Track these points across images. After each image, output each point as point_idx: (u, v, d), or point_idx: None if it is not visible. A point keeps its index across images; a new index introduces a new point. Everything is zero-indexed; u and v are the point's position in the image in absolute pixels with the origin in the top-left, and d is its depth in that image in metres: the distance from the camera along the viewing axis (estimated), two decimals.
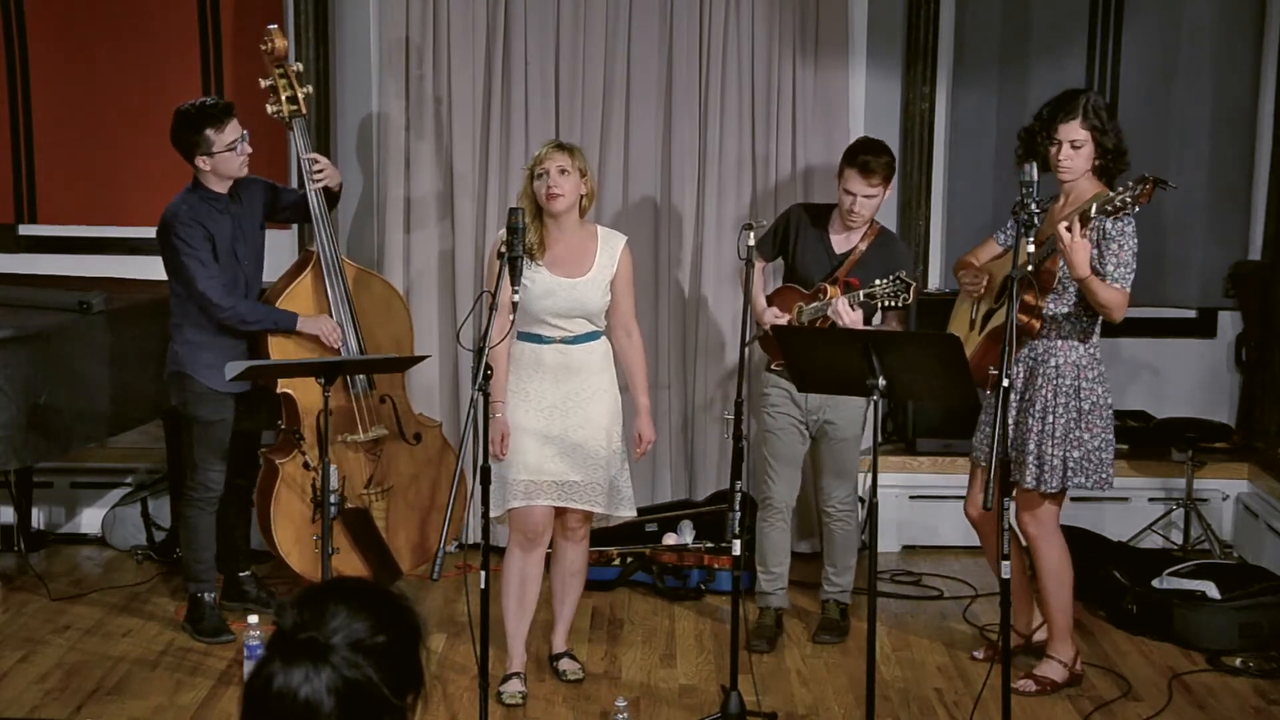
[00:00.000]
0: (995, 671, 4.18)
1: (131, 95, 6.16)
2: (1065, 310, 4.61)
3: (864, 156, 4.97)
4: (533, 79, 5.94)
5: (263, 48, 5.23)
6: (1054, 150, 4.57)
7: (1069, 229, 4.31)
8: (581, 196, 4.63)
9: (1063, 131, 4.55)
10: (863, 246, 5.08)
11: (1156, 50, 6.17)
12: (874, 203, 5.01)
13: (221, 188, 5.02)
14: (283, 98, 5.17)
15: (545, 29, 5.93)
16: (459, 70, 5.93)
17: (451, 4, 5.89)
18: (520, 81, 5.93)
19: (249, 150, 5.00)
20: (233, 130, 4.93)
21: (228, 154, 4.93)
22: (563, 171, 4.56)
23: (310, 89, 5.29)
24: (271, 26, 5.23)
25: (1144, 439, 6.22)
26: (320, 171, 5.16)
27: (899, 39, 6.20)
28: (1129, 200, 4.27)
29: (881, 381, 4.08)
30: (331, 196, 5.25)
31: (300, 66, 5.28)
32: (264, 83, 5.21)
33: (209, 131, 4.90)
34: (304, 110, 5.21)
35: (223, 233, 5.00)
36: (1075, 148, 4.55)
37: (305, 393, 5.01)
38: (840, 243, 5.12)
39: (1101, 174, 4.64)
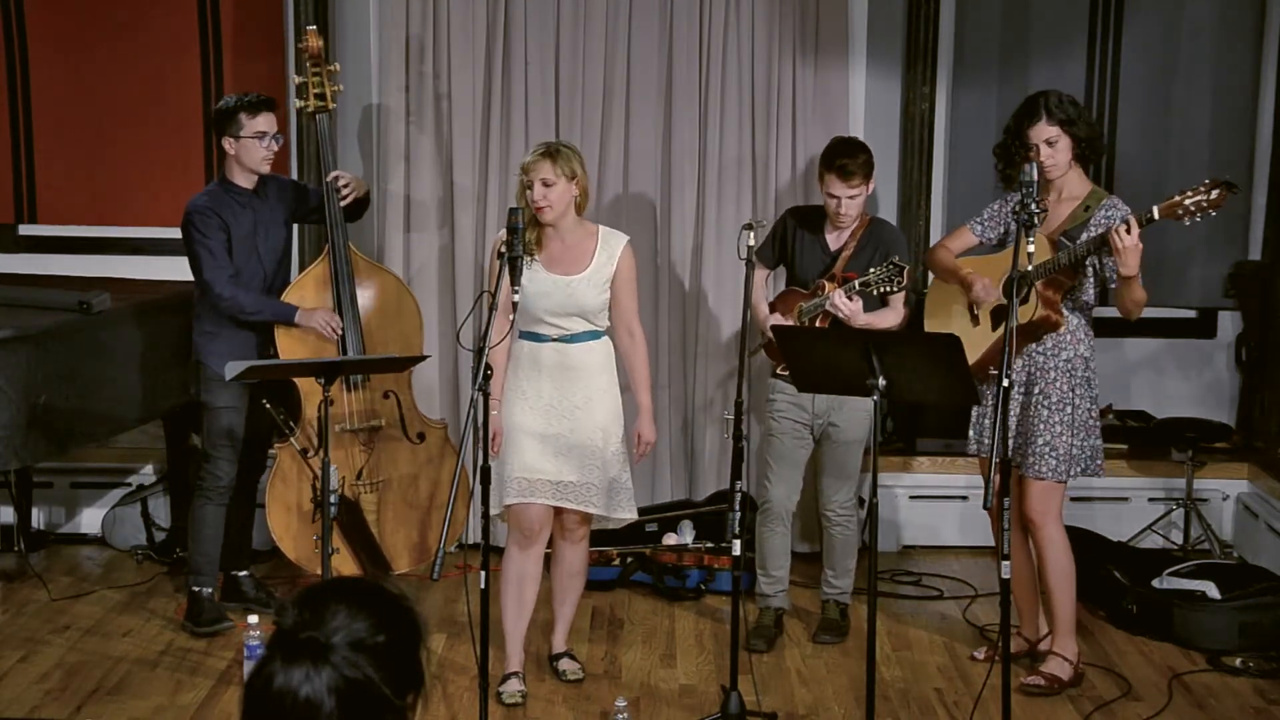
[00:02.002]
0: (995, 671, 4.18)
1: (131, 95, 6.17)
2: (1071, 304, 4.67)
3: (841, 160, 5.00)
4: (533, 79, 5.94)
5: (299, 45, 5.37)
6: (1033, 155, 4.62)
7: (1129, 230, 4.33)
8: (574, 198, 4.62)
9: (1034, 135, 4.64)
10: (854, 241, 5.10)
11: (1156, 50, 6.17)
12: (858, 202, 5.04)
13: (246, 181, 5.08)
14: (311, 95, 5.31)
15: (545, 29, 5.93)
16: (459, 70, 5.93)
17: (451, 3, 5.89)
18: (520, 81, 5.94)
19: (275, 147, 5.09)
20: (265, 122, 5.03)
21: (252, 141, 5.01)
22: (545, 184, 4.53)
23: (341, 87, 5.43)
24: (310, 27, 5.37)
25: (1144, 439, 6.22)
26: (346, 187, 5.28)
27: (899, 39, 6.20)
28: (1204, 204, 4.28)
29: (881, 381, 4.08)
30: (360, 203, 5.36)
31: (337, 66, 5.42)
32: (297, 79, 5.35)
33: (242, 115, 5.01)
34: (330, 107, 5.33)
35: (242, 226, 5.06)
36: (1050, 144, 4.64)
37: (306, 380, 5.06)
38: (834, 240, 5.15)
39: (1082, 162, 4.72)
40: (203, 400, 5.16)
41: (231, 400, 5.11)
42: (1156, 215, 4.37)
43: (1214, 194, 4.28)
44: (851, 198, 5.01)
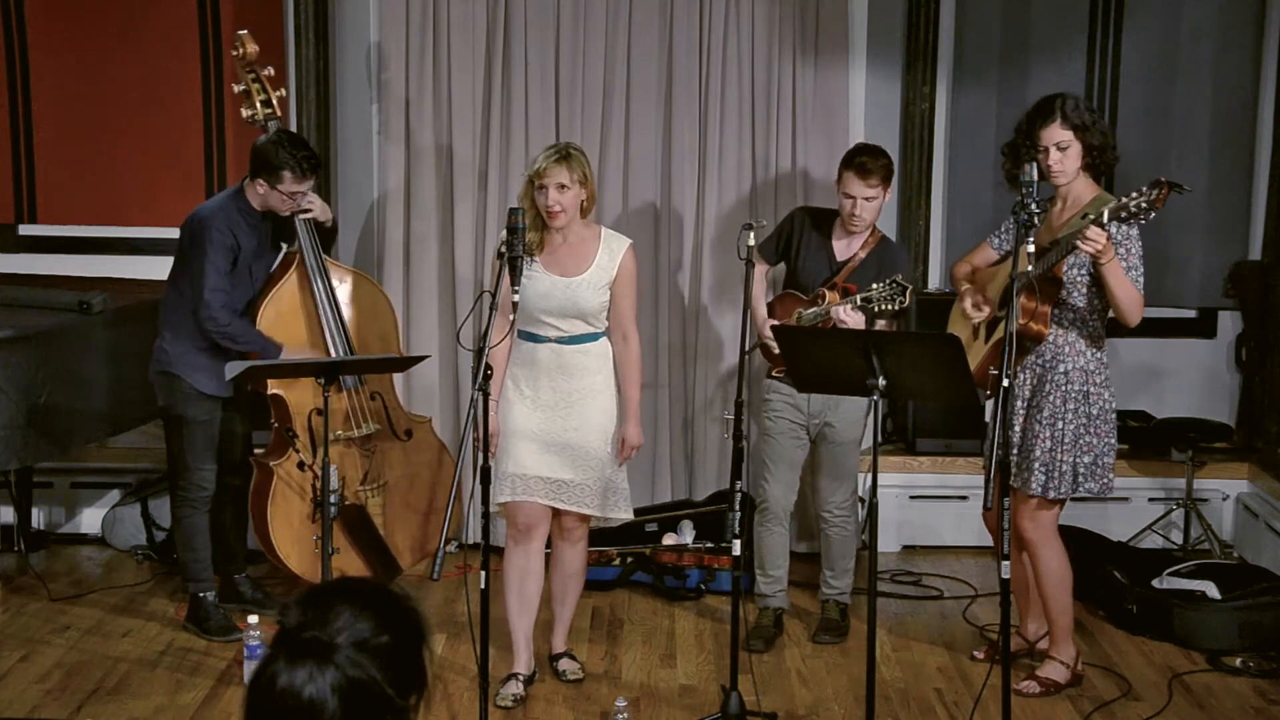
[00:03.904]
0: (995, 672, 4.18)
1: (131, 95, 6.16)
2: (1072, 315, 4.60)
3: (861, 158, 5.00)
4: (533, 79, 5.94)
5: (234, 53, 5.24)
6: (1041, 157, 4.56)
7: (1092, 236, 4.27)
8: (582, 201, 4.61)
9: (1045, 137, 4.56)
10: (862, 254, 5.09)
11: (1156, 50, 6.17)
12: (875, 205, 5.02)
13: (259, 204, 5.06)
14: (257, 102, 5.20)
15: (545, 29, 5.93)
16: (459, 70, 5.93)
17: (451, 4, 5.89)
18: (520, 81, 5.93)
19: (300, 204, 5.02)
20: (305, 186, 4.97)
21: (283, 199, 4.97)
22: (561, 188, 4.51)
23: (284, 92, 5.29)
24: (241, 32, 5.24)
25: (1144, 439, 6.22)
26: (308, 201, 5.10)
27: (899, 39, 6.20)
28: (1144, 205, 4.25)
29: (881, 381, 4.08)
30: (325, 233, 5.23)
31: (271, 71, 5.27)
32: (236, 88, 5.24)
33: (287, 174, 4.93)
34: (279, 113, 5.23)
35: (249, 247, 5.06)
36: (1061, 149, 4.55)
37: (295, 392, 5.05)
38: (842, 249, 5.13)
39: (1093, 172, 4.65)
40: (181, 414, 5.11)
41: (212, 412, 5.11)
42: (1106, 218, 4.32)
43: (1154, 194, 4.23)
44: (868, 199, 4.99)
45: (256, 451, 5.36)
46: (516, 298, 4.25)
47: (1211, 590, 5.23)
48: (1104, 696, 4.74)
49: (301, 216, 5.11)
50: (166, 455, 5.94)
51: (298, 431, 5.09)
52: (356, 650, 1.95)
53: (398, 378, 5.55)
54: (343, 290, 5.28)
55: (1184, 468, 6.05)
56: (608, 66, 5.97)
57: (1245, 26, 6.15)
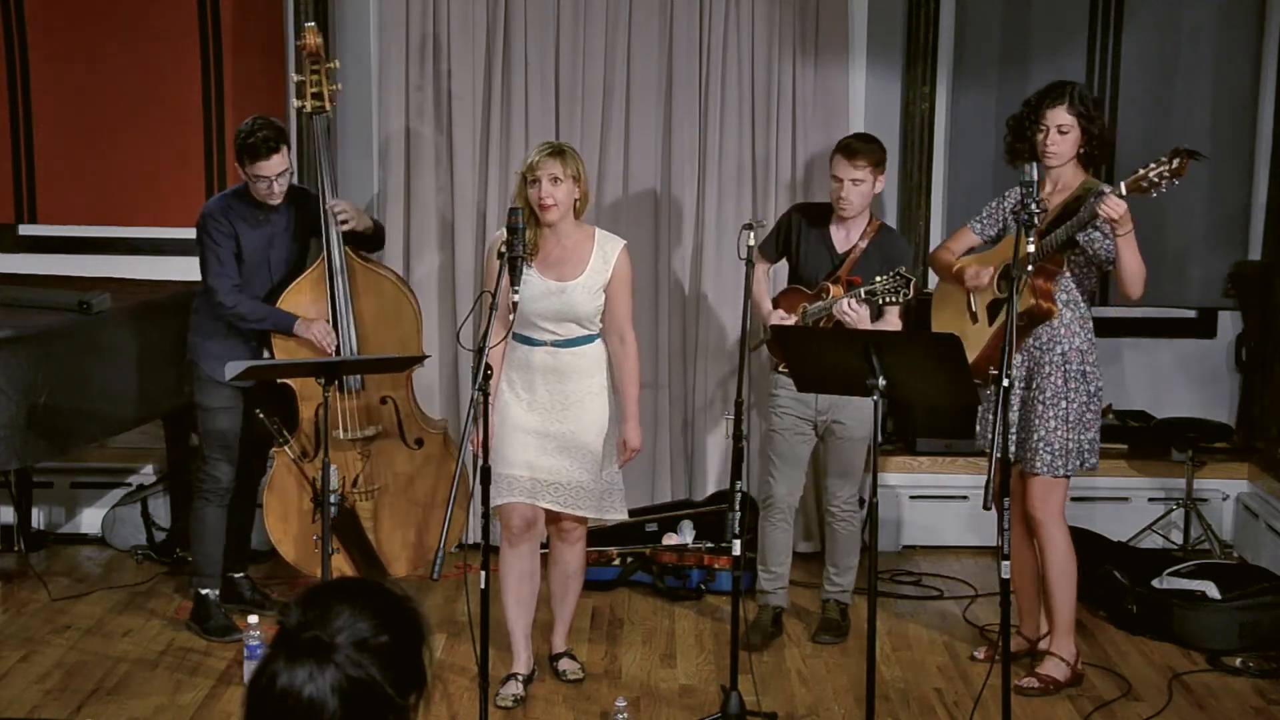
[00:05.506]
0: (995, 671, 4.18)
1: (131, 95, 6.16)
2: (1065, 297, 4.65)
3: (848, 140, 5.05)
4: (533, 79, 5.94)
5: (298, 43, 5.31)
6: (1041, 136, 4.64)
7: (1112, 204, 4.33)
8: (575, 200, 4.61)
9: (1049, 116, 4.63)
10: (863, 244, 5.09)
11: (1156, 50, 6.17)
12: (863, 189, 5.01)
13: (254, 195, 5.07)
14: (309, 94, 5.26)
15: (545, 28, 5.93)
16: (459, 69, 5.93)
17: (452, 3, 5.90)
18: (520, 81, 5.94)
19: (277, 187, 5.00)
20: (262, 169, 4.94)
21: (253, 182, 5.00)
22: (555, 180, 4.51)
23: (339, 86, 5.37)
24: (309, 24, 5.30)
25: (1144, 439, 6.22)
26: (343, 213, 5.15)
27: (899, 39, 6.20)
28: (1166, 175, 4.28)
29: (881, 381, 4.08)
30: (369, 238, 5.28)
31: (337, 63, 5.34)
32: (296, 78, 5.29)
33: (245, 156, 4.96)
34: (327, 108, 5.27)
35: (255, 237, 5.08)
36: (1062, 133, 4.63)
37: (303, 386, 5.06)
38: (841, 241, 5.13)
39: (1087, 163, 4.71)
40: (197, 402, 5.16)
41: (226, 402, 5.12)
42: (1124, 190, 4.36)
43: (1175, 163, 4.27)
44: (855, 181, 4.98)
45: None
46: (516, 298, 4.25)
47: (1211, 590, 5.23)
48: (1104, 696, 4.74)
49: (341, 230, 5.14)
50: (167, 455, 5.97)
51: (300, 426, 5.11)
52: (356, 650, 1.95)
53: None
54: (366, 292, 5.25)
55: (1184, 468, 6.05)
56: (608, 66, 5.97)
57: (1245, 26, 6.16)
